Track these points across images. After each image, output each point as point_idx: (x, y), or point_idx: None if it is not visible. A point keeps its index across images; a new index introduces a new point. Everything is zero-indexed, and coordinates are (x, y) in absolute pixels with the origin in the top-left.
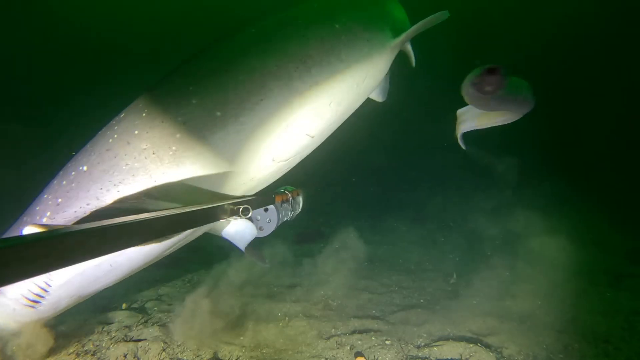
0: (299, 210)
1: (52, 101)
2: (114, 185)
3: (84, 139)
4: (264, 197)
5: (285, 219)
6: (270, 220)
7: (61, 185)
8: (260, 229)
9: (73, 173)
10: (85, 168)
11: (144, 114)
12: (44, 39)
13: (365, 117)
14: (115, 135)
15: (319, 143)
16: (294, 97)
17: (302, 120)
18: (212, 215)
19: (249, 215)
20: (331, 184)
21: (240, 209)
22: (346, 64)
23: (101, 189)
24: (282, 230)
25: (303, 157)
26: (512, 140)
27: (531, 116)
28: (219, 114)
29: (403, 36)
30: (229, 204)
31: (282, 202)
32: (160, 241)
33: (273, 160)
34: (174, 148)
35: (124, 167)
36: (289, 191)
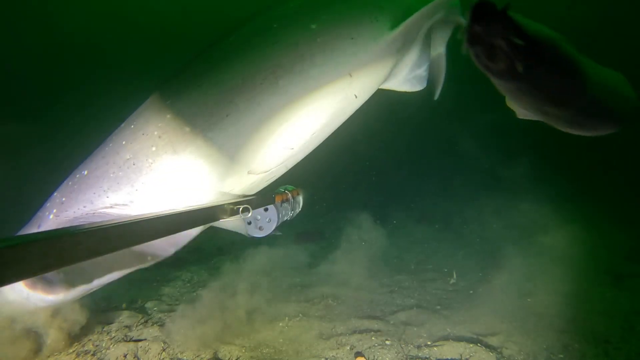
0: (299, 209)
1: (45, 98)
2: (104, 191)
3: (78, 137)
4: (264, 196)
5: (285, 218)
6: (270, 219)
7: (67, 185)
8: (260, 228)
9: (77, 175)
10: (85, 172)
11: (132, 126)
12: (39, 37)
13: (368, 116)
14: (111, 144)
15: (306, 152)
16: (262, 111)
17: (277, 134)
18: (212, 215)
19: (249, 214)
20: (332, 182)
21: (240, 209)
22: (321, 70)
23: (94, 193)
24: (282, 231)
25: (289, 167)
26: (514, 139)
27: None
28: (188, 129)
29: (401, 27)
30: (229, 203)
31: (282, 201)
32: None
33: (249, 173)
34: (150, 160)
35: (111, 175)
36: (288, 191)
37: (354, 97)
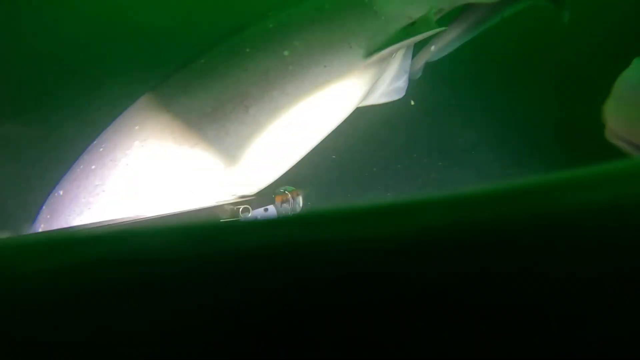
0: (299, 210)
1: (39, 98)
2: (77, 215)
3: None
4: (264, 197)
5: None
6: None
7: (51, 201)
8: None
9: (56, 194)
10: (61, 192)
11: (101, 149)
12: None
13: (369, 118)
14: (82, 166)
15: (282, 172)
16: (231, 140)
17: (248, 162)
18: (212, 215)
19: (249, 215)
20: (332, 181)
21: (240, 209)
22: (292, 97)
23: (69, 216)
24: None
25: (270, 182)
26: (513, 137)
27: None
28: (156, 156)
29: (375, 57)
30: (228, 203)
31: (282, 202)
32: None
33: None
34: (121, 190)
35: (82, 200)
36: (288, 191)
37: (330, 122)
